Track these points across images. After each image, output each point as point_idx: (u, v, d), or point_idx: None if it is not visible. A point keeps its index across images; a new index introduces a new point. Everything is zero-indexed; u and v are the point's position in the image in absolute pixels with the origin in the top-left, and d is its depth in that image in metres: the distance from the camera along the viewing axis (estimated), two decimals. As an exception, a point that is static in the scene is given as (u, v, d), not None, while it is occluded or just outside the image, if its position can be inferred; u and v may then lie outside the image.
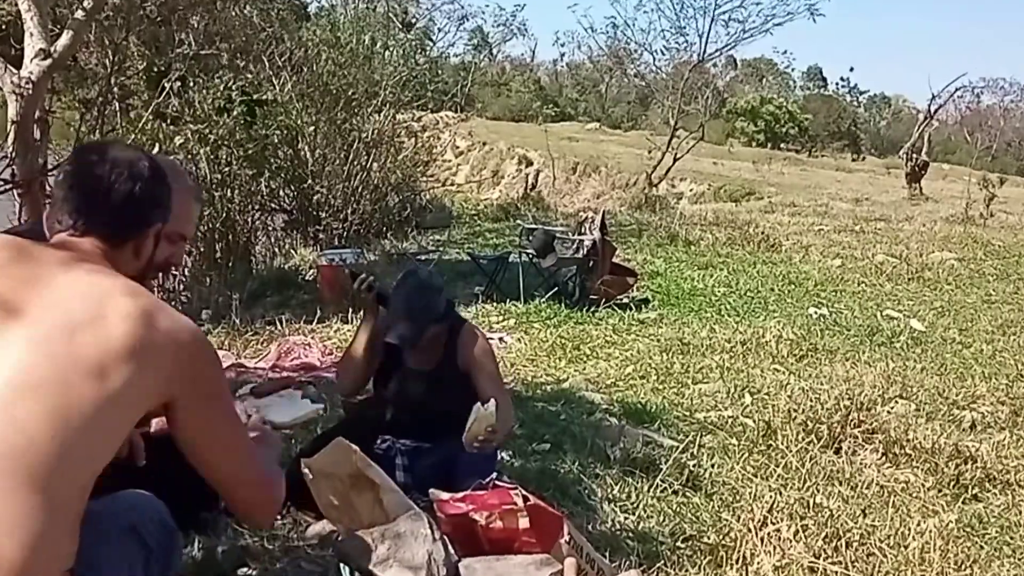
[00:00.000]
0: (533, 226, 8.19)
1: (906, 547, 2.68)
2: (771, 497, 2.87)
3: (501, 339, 5.42)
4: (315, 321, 5.54)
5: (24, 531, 1.22)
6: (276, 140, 9.24)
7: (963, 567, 2.66)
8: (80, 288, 1.37)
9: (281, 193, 9.98)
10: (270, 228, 10.00)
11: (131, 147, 1.72)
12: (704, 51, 17.83)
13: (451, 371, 2.77)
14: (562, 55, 60.75)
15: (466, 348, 2.78)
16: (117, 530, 1.45)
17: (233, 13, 8.72)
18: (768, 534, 2.63)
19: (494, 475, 2.38)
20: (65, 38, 4.29)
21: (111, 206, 1.50)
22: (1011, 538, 3.05)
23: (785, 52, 66.35)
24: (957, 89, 20.86)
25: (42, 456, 1.24)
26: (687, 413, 4.12)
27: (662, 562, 2.53)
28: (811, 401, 3.97)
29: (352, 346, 2.88)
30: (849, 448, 3.69)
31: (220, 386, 1.47)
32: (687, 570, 2.51)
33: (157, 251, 1.60)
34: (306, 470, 2.22)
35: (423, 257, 8.18)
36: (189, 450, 1.43)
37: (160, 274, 1.87)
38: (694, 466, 3.34)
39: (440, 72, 14.06)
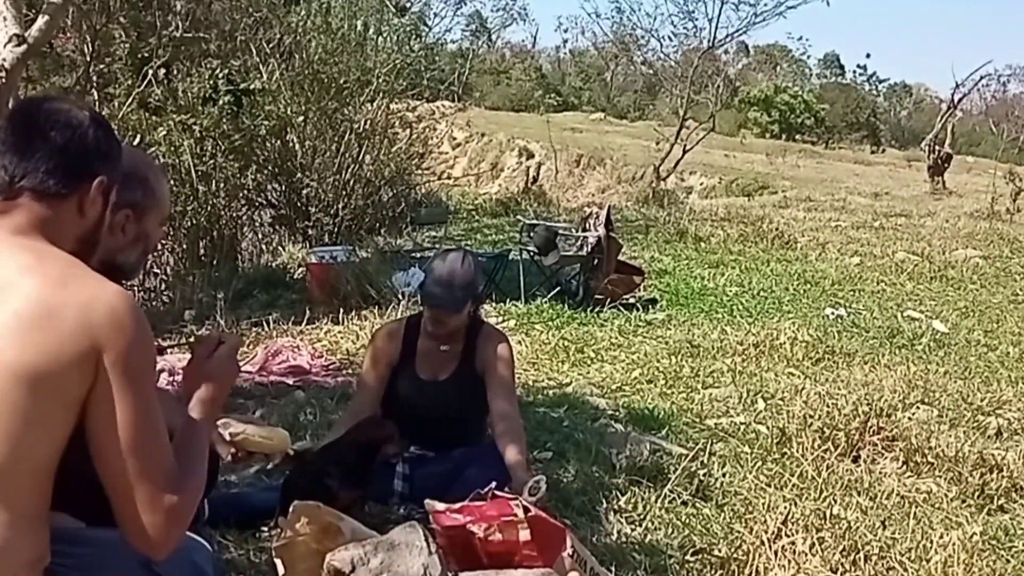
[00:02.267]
0: (534, 222, 8.18)
1: (928, 561, 2.68)
2: (786, 508, 2.87)
3: (501, 341, 5.43)
4: (304, 322, 5.54)
5: None
6: (263, 131, 9.23)
7: (988, 582, 2.66)
8: None
9: (269, 187, 9.97)
10: (257, 224, 10.00)
11: (71, 100, 1.66)
12: (714, 37, 17.84)
13: (467, 378, 2.81)
14: (565, 41, 60.97)
15: (487, 349, 2.81)
16: (136, 563, 1.46)
17: (218, -4, 8.74)
18: (782, 547, 2.63)
19: (493, 485, 2.38)
20: (40, 23, 4.28)
21: (46, 153, 1.41)
22: (1039, 551, 3.05)
23: (800, 38, 66.57)
24: (982, 77, 20.93)
25: None
26: (697, 419, 4.12)
27: (670, 576, 2.53)
28: (828, 407, 3.97)
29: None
30: (868, 456, 3.69)
31: (143, 364, 1.37)
32: (697, 585, 2.52)
33: (111, 217, 1.51)
34: (278, 561, 2.17)
35: (418, 255, 8.18)
36: (93, 445, 1.34)
37: (136, 263, 1.80)
38: (704, 475, 3.34)
39: (436, 59, 14.05)
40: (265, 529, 2.55)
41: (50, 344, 1.28)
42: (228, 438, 2.26)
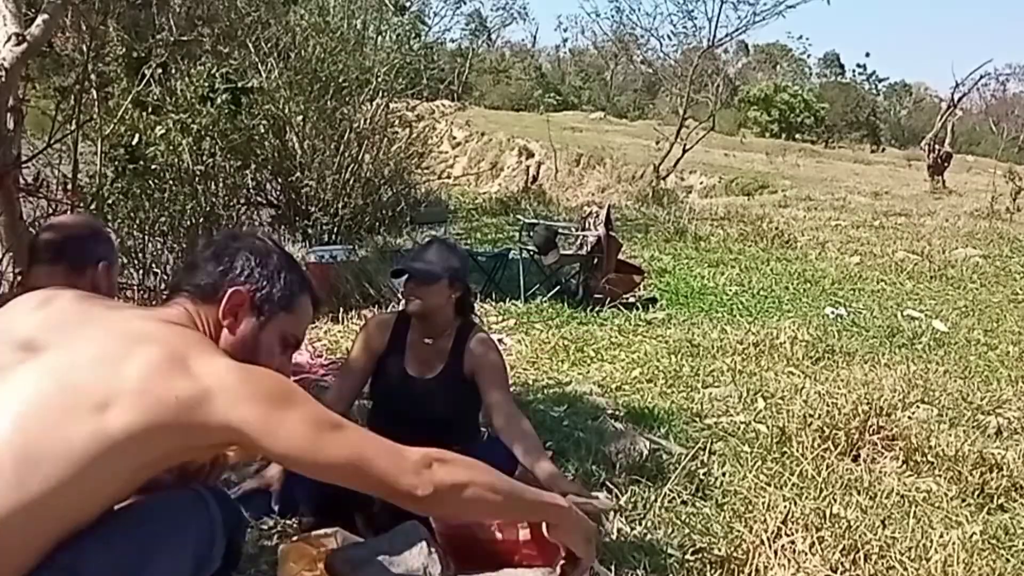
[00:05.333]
0: (534, 221, 8.19)
1: (928, 560, 2.68)
2: (785, 507, 2.87)
3: (501, 340, 5.42)
4: (304, 321, 5.54)
5: None
6: (262, 130, 9.23)
7: (988, 581, 2.66)
8: (120, 328, 1.42)
9: (268, 186, 9.98)
10: (256, 223, 9.98)
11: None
12: (714, 36, 17.87)
13: (454, 379, 2.79)
14: (565, 41, 60.96)
15: (476, 353, 2.79)
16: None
17: (216, -4, 8.73)
18: (782, 546, 2.63)
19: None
20: (40, 22, 4.28)
21: (201, 263, 1.61)
22: (1039, 550, 3.05)
23: (800, 37, 66.48)
24: (982, 76, 20.97)
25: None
26: (697, 418, 4.12)
27: (670, 575, 2.53)
28: (828, 406, 3.97)
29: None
30: (868, 455, 3.69)
31: (281, 393, 1.46)
32: (697, 584, 2.52)
33: (263, 335, 1.62)
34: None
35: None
36: (304, 469, 1.48)
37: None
38: (704, 474, 3.34)
39: (436, 58, 14.06)
40: (265, 527, 2.55)
41: (138, 416, 1.33)
42: None
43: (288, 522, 2.58)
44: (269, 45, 9.26)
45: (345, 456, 1.46)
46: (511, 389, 3.05)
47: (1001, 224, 11.55)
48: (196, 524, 1.51)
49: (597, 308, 6.44)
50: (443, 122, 13.03)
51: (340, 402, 2.86)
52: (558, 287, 6.82)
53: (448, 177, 16.14)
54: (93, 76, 6.81)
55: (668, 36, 20.09)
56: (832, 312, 6.80)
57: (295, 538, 2.23)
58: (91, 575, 1.32)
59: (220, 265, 1.61)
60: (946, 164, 17.58)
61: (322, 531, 2.28)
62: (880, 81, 57.40)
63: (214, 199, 8.75)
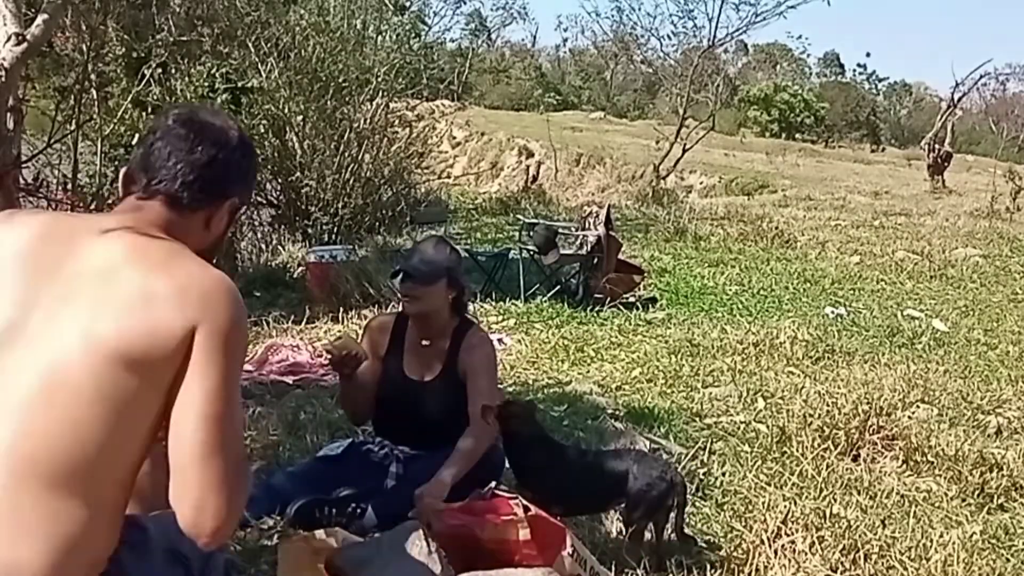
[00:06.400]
0: (534, 221, 8.19)
1: (928, 560, 2.68)
2: (785, 507, 2.87)
3: (500, 340, 5.42)
4: (304, 321, 5.54)
5: (48, 537, 1.24)
6: (262, 130, 9.22)
7: (988, 581, 2.66)
8: (102, 258, 1.36)
9: (268, 186, 9.95)
10: (256, 223, 9.97)
11: (221, 114, 1.68)
12: (714, 36, 17.83)
13: (452, 380, 2.79)
14: (565, 40, 60.78)
15: (469, 353, 2.79)
16: (160, 550, 1.47)
17: (216, -5, 8.72)
18: (782, 546, 2.63)
19: (493, 484, 2.38)
20: (40, 22, 4.28)
21: (188, 166, 1.46)
22: (1038, 550, 3.06)
23: (800, 37, 66.40)
24: (982, 76, 20.89)
25: (65, 456, 1.26)
26: (697, 418, 4.13)
27: (670, 575, 2.53)
28: (828, 406, 3.97)
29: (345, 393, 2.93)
30: (868, 455, 3.69)
31: (235, 343, 1.37)
32: (697, 584, 2.52)
33: (226, 229, 1.56)
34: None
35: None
36: (171, 422, 1.33)
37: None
38: (704, 474, 3.34)
39: (436, 58, 14.04)
40: (265, 527, 2.55)
41: (147, 327, 1.30)
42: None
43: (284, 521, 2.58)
44: (269, 45, 9.25)
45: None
46: (509, 389, 3.05)
47: (1001, 224, 11.55)
48: None
49: (597, 308, 6.44)
50: (443, 122, 13.01)
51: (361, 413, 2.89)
52: (558, 287, 6.82)
53: (448, 177, 16.11)
54: (93, 76, 6.82)
55: (668, 36, 20.11)
56: (832, 312, 6.80)
57: (295, 538, 2.23)
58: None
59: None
60: (946, 164, 17.57)
61: (322, 531, 2.28)
62: (880, 81, 57.44)
63: (214, 199, 8.74)
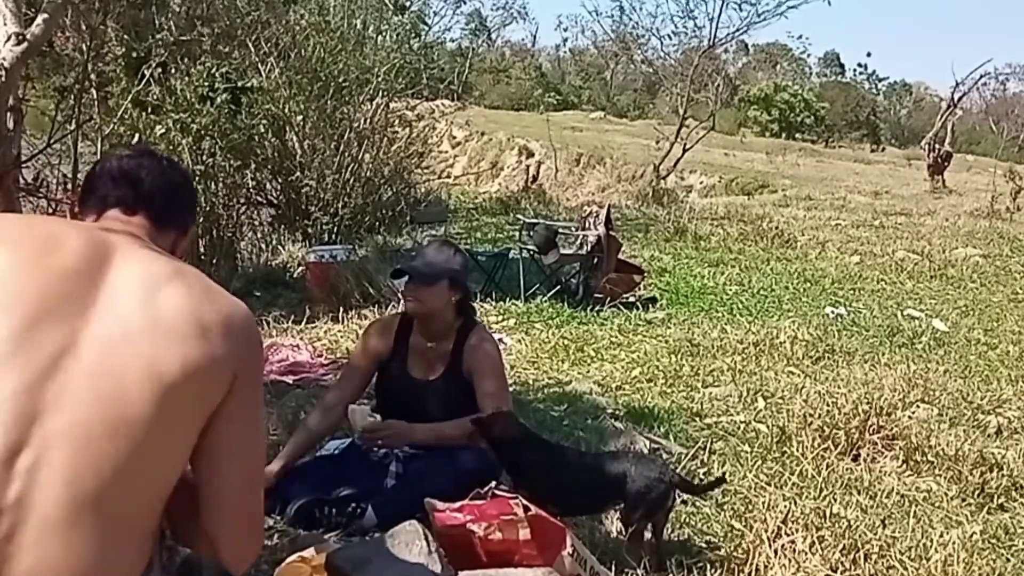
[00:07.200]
0: (534, 221, 8.18)
1: (928, 560, 2.68)
2: (785, 506, 2.87)
3: (500, 340, 5.42)
4: (304, 321, 5.54)
5: (77, 559, 1.20)
6: (262, 130, 9.21)
7: (988, 580, 2.66)
8: (138, 275, 1.35)
9: (268, 186, 9.96)
10: (256, 223, 9.98)
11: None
12: (715, 36, 17.82)
13: (456, 380, 2.79)
14: (565, 40, 60.69)
15: (472, 353, 2.79)
16: None
17: (216, -5, 8.71)
18: (782, 545, 2.63)
19: (493, 484, 2.38)
20: (40, 22, 4.28)
21: (165, 187, 1.56)
22: (1039, 550, 3.06)
23: (800, 37, 66.25)
24: (982, 76, 20.89)
25: (98, 477, 1.22)
26: (697, 418, 4.13)
27: (670, 574, 2.53)
28: (828, 405, 3.97)
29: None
30: (868, 455, 3.69)
31: (261, 378, 1.44)
32: (697, 584, 2.52)
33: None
34: None
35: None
36: (208, 457, 1.33)
37: None
38: (704, 474, 3.35)
39: (436, 58, 14.04)
40: (265, 527, 2.55)
41: (199, 355, 1.29)
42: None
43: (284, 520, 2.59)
44: (269, 45, 9.25)
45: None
46: (511, 389, 3.05)
47: (1001, 224, 11.55)
48: None
49: (597, 308, 6.44)
50: (443, 122, 13.02)
51: (340, 403, 2.86)
52: (558, 287, 6.82)
53: (448, 177, 16.11)
54: (93, 76, 6.81)
55: (669, 36, 20.04)
56: (832, 312, 6.80)
57: (288, 560, 2.20)
58: None
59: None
60: (946, 164, 17.57)
61: (319, 540, 2.27)
62: (880, 81, 57.39)
63: (214, 198, 8.73)
